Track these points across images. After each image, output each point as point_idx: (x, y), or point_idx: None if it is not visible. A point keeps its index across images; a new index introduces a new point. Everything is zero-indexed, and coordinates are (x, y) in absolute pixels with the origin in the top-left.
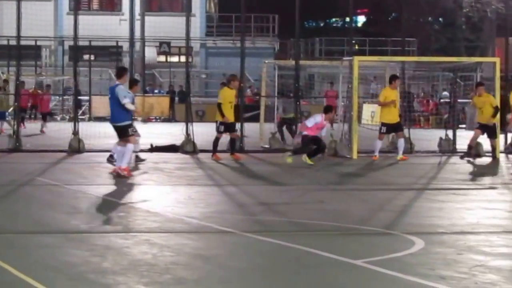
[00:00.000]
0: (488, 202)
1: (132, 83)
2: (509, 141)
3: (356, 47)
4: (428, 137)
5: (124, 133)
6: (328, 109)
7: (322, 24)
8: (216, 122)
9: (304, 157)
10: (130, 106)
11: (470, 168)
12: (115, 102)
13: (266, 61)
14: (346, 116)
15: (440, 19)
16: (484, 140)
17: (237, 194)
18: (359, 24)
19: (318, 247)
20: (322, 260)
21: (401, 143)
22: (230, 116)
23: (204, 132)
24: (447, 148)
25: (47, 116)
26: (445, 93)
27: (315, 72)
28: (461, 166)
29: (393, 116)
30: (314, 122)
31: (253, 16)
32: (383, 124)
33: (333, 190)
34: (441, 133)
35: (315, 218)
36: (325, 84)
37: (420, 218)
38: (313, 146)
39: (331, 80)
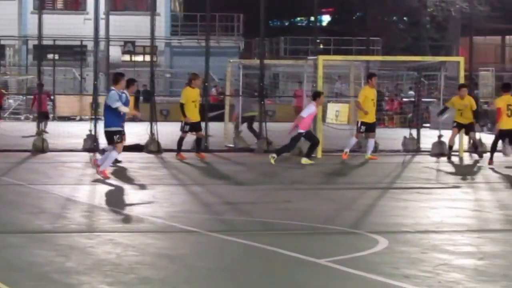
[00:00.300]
0: (452, 201)
1: (129, 83)
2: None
3: (321, 46)
4: (392, 136)
5: (109, 139)
6: (316, 95)
7: (287, 23)
8: (182, 121)
9: (305, 160)
10: (123, 109)
11: (434, 167)
12: (106, 107)
13: (231, 60)
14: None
15: (405, 18)
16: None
17: (203, 194)
18: (324, 23)
19: (283, 246)
20: (287, 259)
21: (371, 143)
22: (193, 116)
23: (168, 132)
24: (411, 147)
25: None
26: (411, 92)
27: (279, 71)
28: (425, 165)
29: (372, 116)
30: (309, 113)
31: (218, 15)
32: (362, 124)
33: (298, 189)
34: (405, 132)
35: (281, 217)
36: (290, 83)
37: (384, 217)
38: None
39: (298, 80)
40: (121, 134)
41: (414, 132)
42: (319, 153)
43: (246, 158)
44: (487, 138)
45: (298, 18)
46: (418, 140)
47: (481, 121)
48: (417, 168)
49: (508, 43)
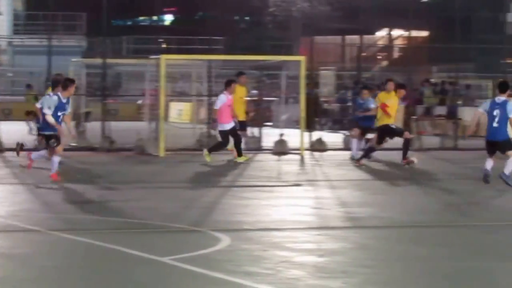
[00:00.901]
0: (293, 199)
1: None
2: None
3: (164, 46)
4: None
5: (47, 143)
6: (227, 83)
7: (130, 23)
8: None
9: (238, 159)
10: (50, 119)
11: (275, 165)
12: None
13: (74, 60)
14: (153, 114)
15: (247, 18)
16: (292, 137)
17: (45, 193)
18: (167, 23)
19: (126, 244)
20: (130, 257)
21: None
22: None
23: (11, 131)
24: (254, 145)
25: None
26: (254, 91)
27: (122, 71)
28: (267, 164)
29: (242, 113)
30: (221, 103)
31: (61, 14)
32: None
33: (142, 188)
34: (247, 130)
35: (125, 216)
36: (133, 82)
37: (226, 215)
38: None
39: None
40: (57, 138)
41: (256, 130)
42: (161, 151)
43: (90, 157)
44: (329, 137)
45: (141, 18)
46: (260, 138)
47: (322, 119)
48: (259, 167)
49: (348, 42)
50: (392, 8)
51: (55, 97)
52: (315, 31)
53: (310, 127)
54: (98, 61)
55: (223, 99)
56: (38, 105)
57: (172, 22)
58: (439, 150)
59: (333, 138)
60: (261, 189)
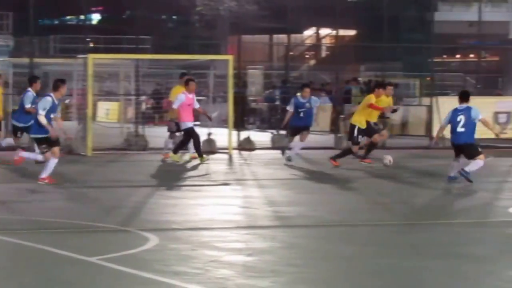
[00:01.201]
0: (221, 198)
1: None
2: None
3: (91, 45)
4: (162, 134)
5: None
6: (185, 82)
7: (57, 22)
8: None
9: (173, 156)
10: (43, 120)
11: (204, 164)
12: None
13: (1, 59)
14: (81, 113)
15: (174, 17)
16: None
17: None
18: (94, 22)
19: (54, 245)
20: (58, 258)
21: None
22: None
23: None
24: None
25: None
26: None
27: (50, 70)
28: (195, 163)
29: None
30: (179, 102)
31: None
32: (171, 120)
33: (69, 187)
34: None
35: (53, 216)
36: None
37: (155, 214)
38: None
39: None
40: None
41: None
42: (89, 151)
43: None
44: (257, 136)
45: (68, 17)
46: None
47: (250, 119)
48: (188, 166)
49: (276, 41)
50: (319, 7)
51: (49, 98)
52: (242, 30)
53: (238, 126)
54: (25, 60)
55: (182, 98)
56: (42, 112)
57: (100, 22)
58: None
59: (261, 137)
60: (190, 189)
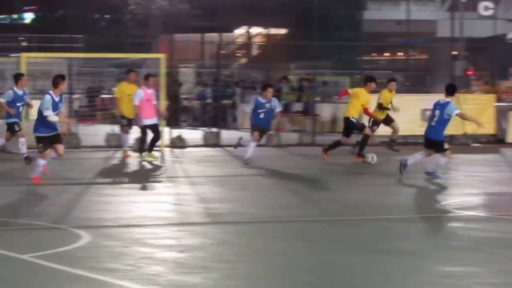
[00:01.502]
0: (153, 195)
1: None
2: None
3: (25, 44)
4: (95, 132)
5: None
6: (145, 77)
7: None
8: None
9: (148, 155)
10: (53, 118)
11: (136, 162)
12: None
13: None
14: None
15: (107, 16)
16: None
17: None
18: (27, 21)
19: None
20: None
21: (126, 138)
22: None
23: None
24: (115, 142)
25: None
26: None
27: None
28: (128, 160)
29: (131, 110)
30: (139, 99)
31: None
32: (122, 117)
33: (1, 185)
34: (108, 128)
35: None
36: None
37: (87, 212)
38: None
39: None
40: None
41: (116, 128)
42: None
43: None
44: (188, 134)
45: (1, 16)
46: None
47: (182, 116)
48: (120, 163)
49: (208, 40)
50: (251, 6)
51: (49, 97)
52: (175, 29)
53: (170, 123)
54: None
55: (140, 94)
56: (48, 112)
57: (33, 21)
58: (298, 146)
59: (192, 135)
60: (122, 186)
